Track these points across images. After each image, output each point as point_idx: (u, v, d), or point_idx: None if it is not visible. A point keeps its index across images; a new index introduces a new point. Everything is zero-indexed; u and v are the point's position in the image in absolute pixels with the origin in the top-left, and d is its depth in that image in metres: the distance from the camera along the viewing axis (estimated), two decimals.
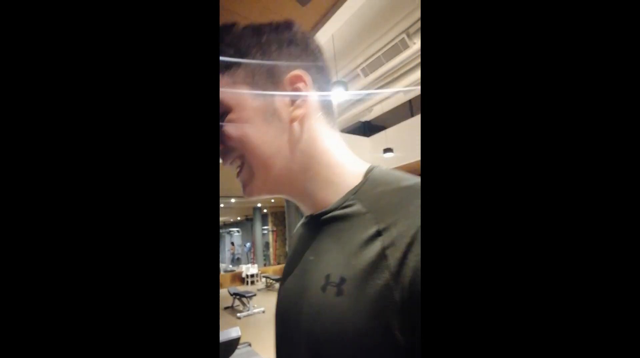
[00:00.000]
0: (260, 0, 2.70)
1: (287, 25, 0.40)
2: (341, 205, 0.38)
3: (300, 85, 0.38)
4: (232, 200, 9.87)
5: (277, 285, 8.61)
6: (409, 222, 0.30)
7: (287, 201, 10.21)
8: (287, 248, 11.61)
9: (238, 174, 0.41)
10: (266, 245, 14.39)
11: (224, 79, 0.38)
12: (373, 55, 4.52)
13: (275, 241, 14.51)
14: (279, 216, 14.40)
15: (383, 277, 0.29)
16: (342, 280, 0.32)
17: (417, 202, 0.31)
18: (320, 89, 0.41)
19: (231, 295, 6.82)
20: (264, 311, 6.35)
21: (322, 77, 0.41)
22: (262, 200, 10.69)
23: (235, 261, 16.20)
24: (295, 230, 0.54)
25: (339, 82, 3.65)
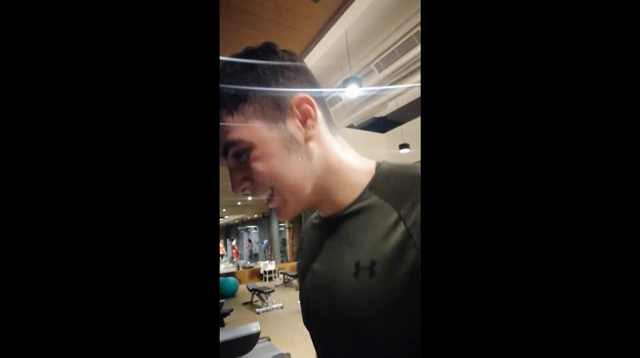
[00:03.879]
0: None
1: (269, 48, 0.42)
2: (360, 200, 0.42)
3: (307, 106, 0.41)
4: (249, 198, 9.98)
5: (295, 281, 8.67)
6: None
7: None
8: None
9: (269, 202, 0.43)
10: (283, 242, 14.50)
11: (237, 118, 0.39)
12: (387, 49, 4.46)
13: (292, 238, 14.59)
14: None
15: (412, 253, 0.34)
16: (373, 263, 0.37)
17: None
18: (320, 103, 0.43)
19: (250, 290, 6.92)
20: (282, 307, 6.42)
21: (317, 92, 0.44)
22: None
23: (253, 257, 16.41)
24: (303, 233, 0.57)
25: (353, 79, 3.62)
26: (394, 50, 4.39)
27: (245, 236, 17.54)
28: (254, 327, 2.22)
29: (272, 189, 0.41)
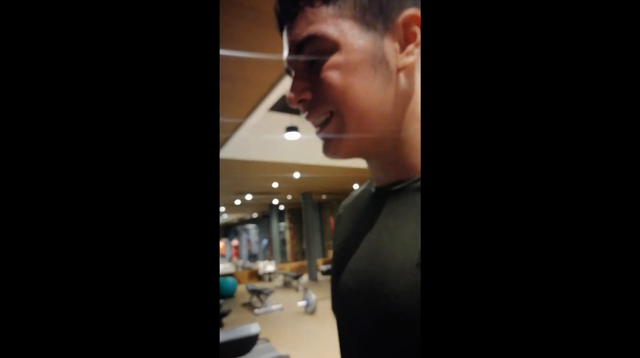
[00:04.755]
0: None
1: None
2: None
3: (415, 28, 0.33)
4: (248, 197, 10.00)
5: (295, 282, 8.66)
6: None
7: (304, 198, 10.02)
8: (304, 245, 11.57)
9: (322, 129, 0.36)
10: (283, 242, 14.53)
11: (329, 11, 0.33)
12: None
13: (292, 238, 14.63)
14: (295, 213, 14.49)
15: None
16: None
17: None
18: None
19: (249, 291, 6.91)
20: (282, 308, 6.41)
21: None
22: (279, 197, 10.77)
23: (252, 257, 16.45)
24: (350, 202, 0.49)
25: None
26: None
27: (244, 236, 17.58)
28: (254, 328, 2.22)
29: (331, 113, 0.35)
